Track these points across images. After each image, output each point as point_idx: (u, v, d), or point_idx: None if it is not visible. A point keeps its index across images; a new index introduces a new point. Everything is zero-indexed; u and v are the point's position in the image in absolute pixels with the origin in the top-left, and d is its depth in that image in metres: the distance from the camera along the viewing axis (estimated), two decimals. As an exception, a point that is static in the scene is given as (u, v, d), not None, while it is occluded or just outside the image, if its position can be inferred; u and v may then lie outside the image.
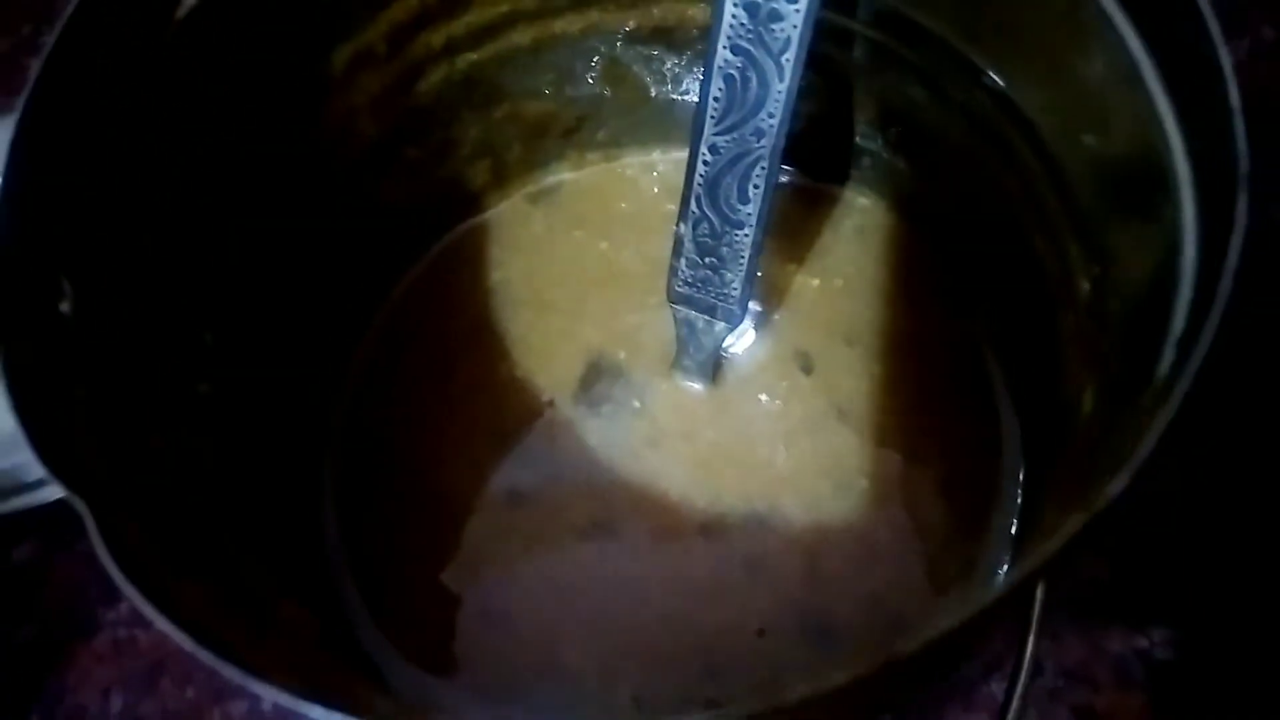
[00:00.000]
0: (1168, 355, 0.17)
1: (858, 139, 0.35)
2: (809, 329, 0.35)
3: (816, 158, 0.36)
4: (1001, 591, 0.15)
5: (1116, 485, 0.15)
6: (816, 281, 0.36)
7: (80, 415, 0.21)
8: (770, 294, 0.36)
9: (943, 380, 0.33)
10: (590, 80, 0.35)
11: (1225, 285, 0.16)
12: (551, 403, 0.34)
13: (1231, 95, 0.18)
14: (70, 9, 0.22)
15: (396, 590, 0.32)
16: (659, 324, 0.34)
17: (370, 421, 0.35)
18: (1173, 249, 0.19)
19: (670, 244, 0.32)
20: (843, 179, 0.37)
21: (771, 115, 0.27)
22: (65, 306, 0.21)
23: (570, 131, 0.37)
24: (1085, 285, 0.25)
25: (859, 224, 0.37)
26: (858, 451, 0.32)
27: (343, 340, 0.35)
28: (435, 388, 0.35)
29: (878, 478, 0.32)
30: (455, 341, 0.36)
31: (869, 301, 0.35)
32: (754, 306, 0.35)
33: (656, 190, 0.38)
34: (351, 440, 0.34)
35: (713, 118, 0.28)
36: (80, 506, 0.16)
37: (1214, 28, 0.18)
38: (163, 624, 0.15)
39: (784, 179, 0.38)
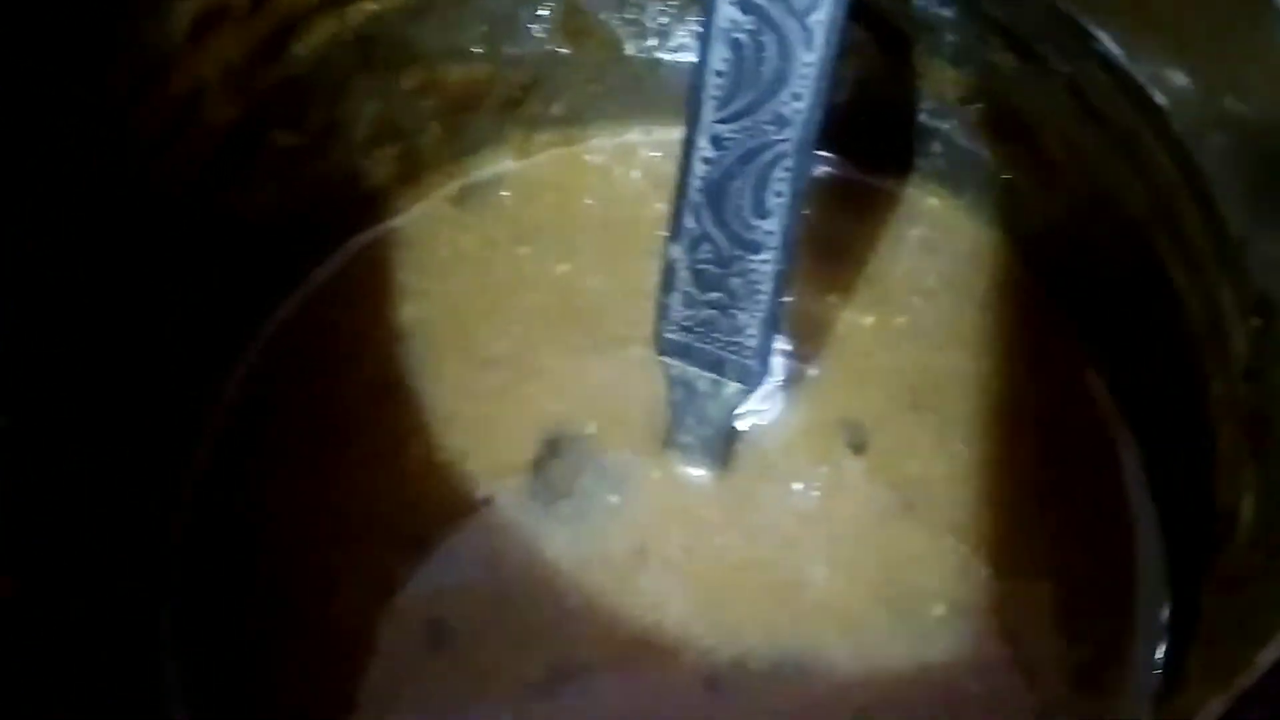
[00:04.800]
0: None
1: (922, 117, 0.36)
2: (860, 390, 0.36)
3: (865, 140, 0.37)
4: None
5: (1268, 655, 0.16)
6: (870, 320, 0.37)
7: None
8: (804, 339, 0.37)
9: (1053, 463, 0.35)
10: (539, 33, 0.37)
11: None
12: (490, 500, 0.35)
13: None
14: None
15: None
16: (644, 382, 0.35)
17: (226, 525, 0.36)
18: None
19: (658, 265, 0.33)
20: (904, 170, 0.38)
21: (798, 97, 0.28)
22: None
23: (511, 105, 0.38)
24: (1241, 342, 0.27)
25: (927, 235, 0.38)
26: (932, 565, 0.34)
27: (186, 411, 0.36)
28: (321, 476, 0.36)
29: (961, 604, 0.33)
30: (349, 408, 0.37)
31: (944, 348, 0.37)
32: (780, 359, 0.36)
33: (638, 184, 0.40)
34: (199, 552, 0.35)
35: (715, 99, 0.29)
36: None
37: None
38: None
39: (820, 169, 0.39)
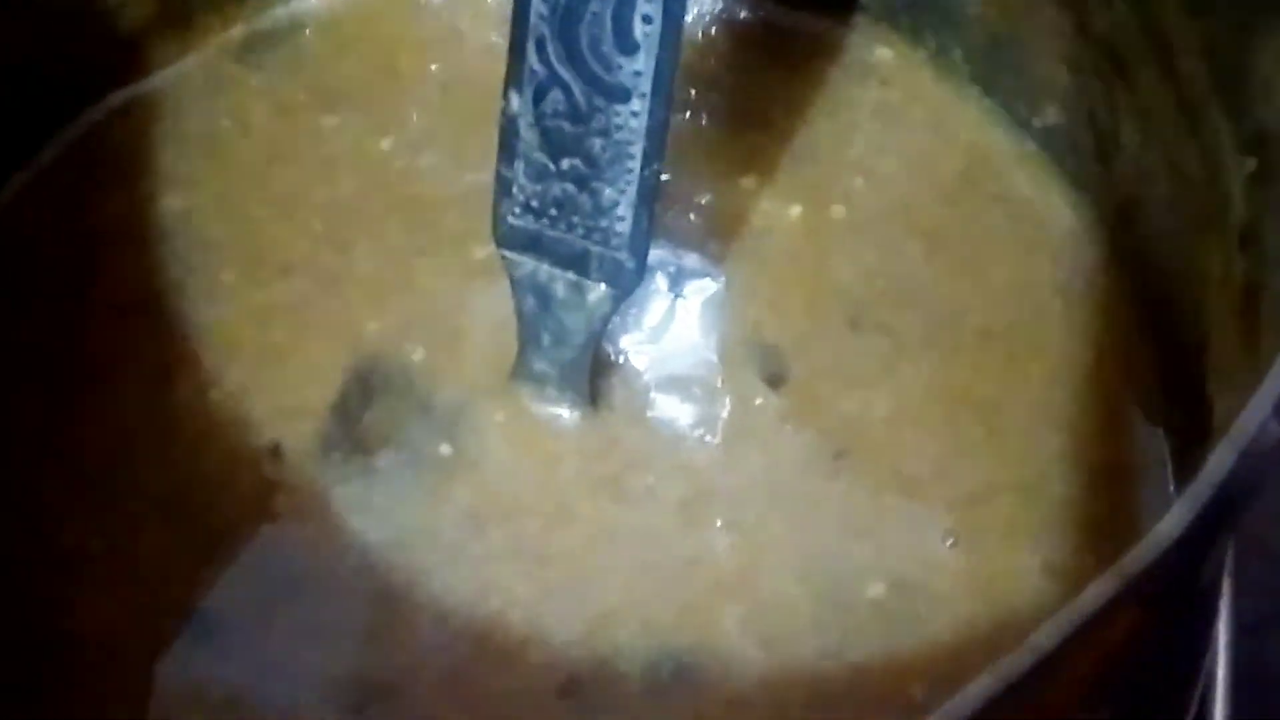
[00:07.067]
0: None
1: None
2: (780, 303, 0.36)
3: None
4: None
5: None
6: (796, 210, 0.36)
7: None
8: (707, 234, 0.36)
9: (1030, 390, 0.34)
10: None
11: None
12: (277, 449, 0.34)
13: None
14: None
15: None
16: (489, 294, 0.35)
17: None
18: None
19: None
20: (846, 11, 0.38)
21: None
22: None
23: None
24: (1237, 192, 0.26)
25: (876, 98, 0.38)
26: (868, 529, 0.33)
27: None
28: (53, 424, 0.35)
29: (908, 582, 0.32)
30: (91, 333, 0.36)
31: (896, 248, 0.36)
32: (665, 254, 0.36)
33: (487, 31, 0.38)
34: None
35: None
36: None
37: None
38: None
39: (738, 9, 0.39)
